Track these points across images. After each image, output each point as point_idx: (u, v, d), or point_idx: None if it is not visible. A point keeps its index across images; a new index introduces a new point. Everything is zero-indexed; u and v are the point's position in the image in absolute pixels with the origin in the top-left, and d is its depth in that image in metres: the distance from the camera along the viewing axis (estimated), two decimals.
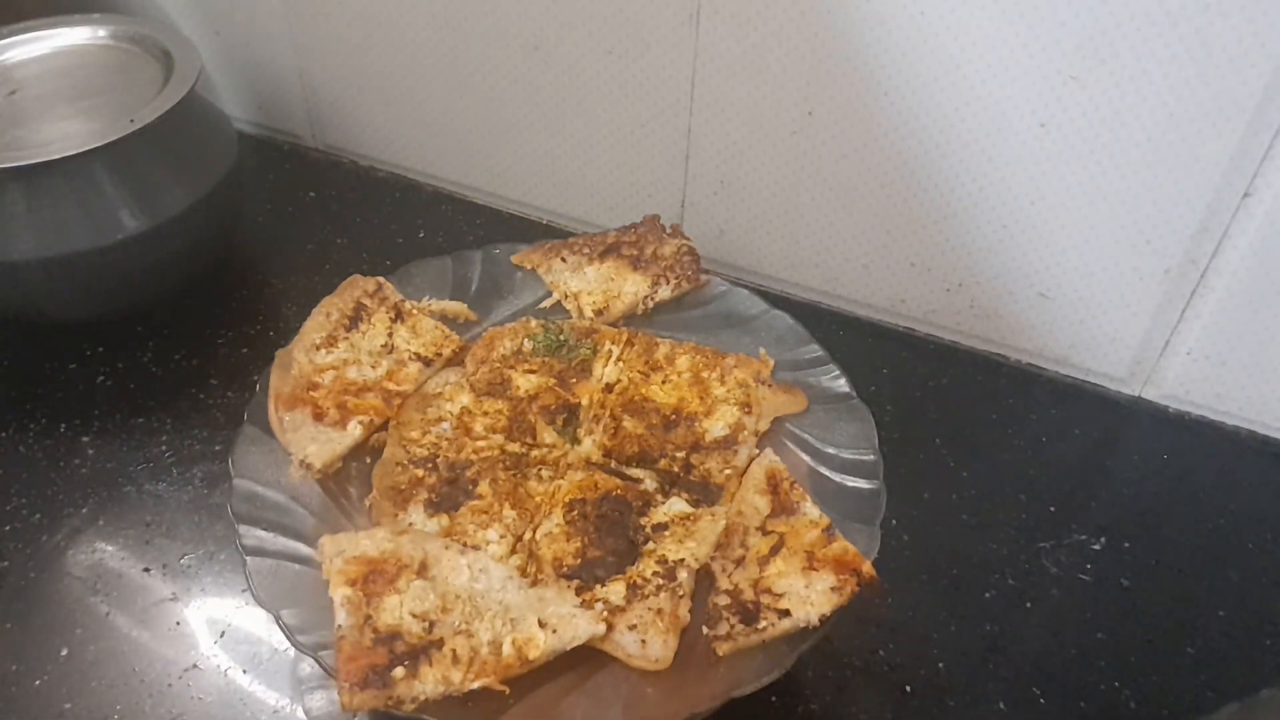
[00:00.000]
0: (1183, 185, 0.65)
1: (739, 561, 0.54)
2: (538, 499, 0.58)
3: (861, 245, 0.78)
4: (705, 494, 0.59)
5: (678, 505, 0.57)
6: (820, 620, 0.50)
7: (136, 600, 0.62)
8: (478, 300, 0.70)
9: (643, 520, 0.56)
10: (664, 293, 0.69)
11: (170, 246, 0.74)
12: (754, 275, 0.84)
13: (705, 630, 0.51)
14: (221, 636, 0.60)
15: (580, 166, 0.86)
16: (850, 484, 0.58)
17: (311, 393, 0.61)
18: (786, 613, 0.50)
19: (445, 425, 0.62)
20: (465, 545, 0.54)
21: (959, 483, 0.69)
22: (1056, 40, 0.63)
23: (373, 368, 0.64)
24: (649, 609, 0.51)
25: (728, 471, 0.59)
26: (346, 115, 0.95)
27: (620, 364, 0.65)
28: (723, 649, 0.50)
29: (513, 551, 0.55)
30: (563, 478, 0.59)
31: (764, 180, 0.78)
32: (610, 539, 0.55)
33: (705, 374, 0.64)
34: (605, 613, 0.51)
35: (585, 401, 0.63)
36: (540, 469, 0.60)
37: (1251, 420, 0.73)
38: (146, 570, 0.64)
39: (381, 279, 0.69)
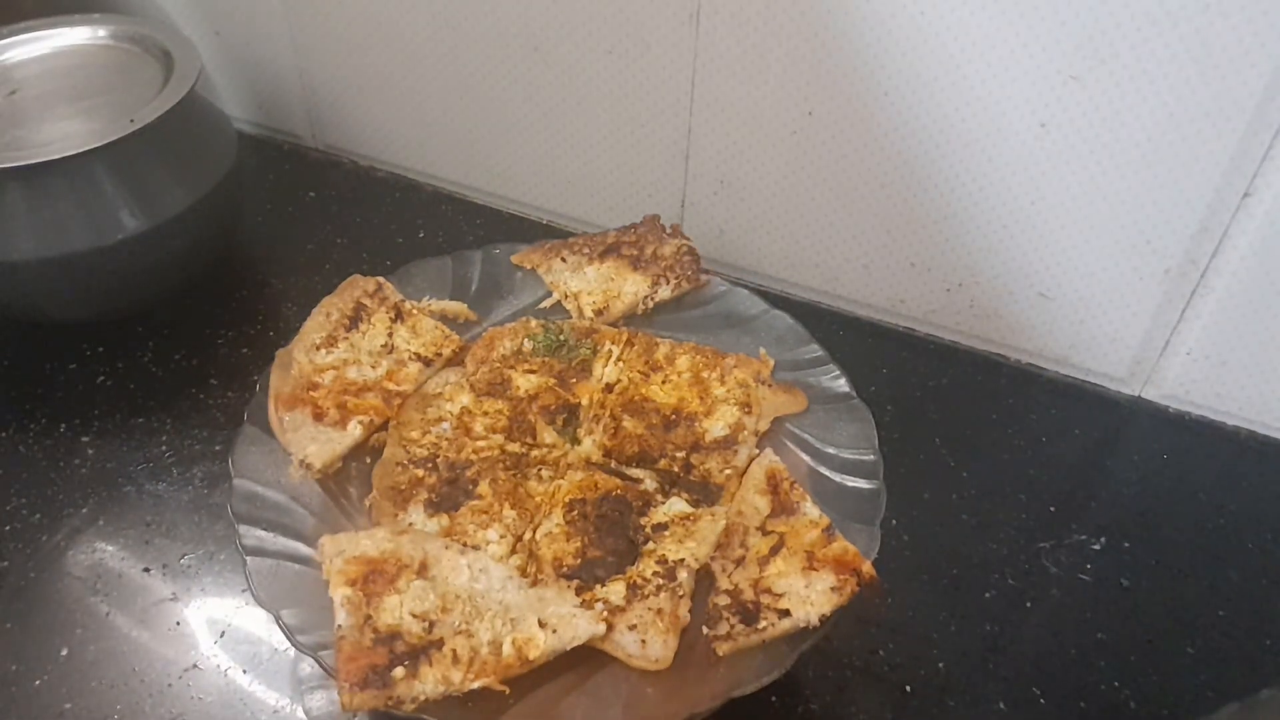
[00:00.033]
0: (1183, 185, 0.65)
1: (739, 561, 0.54)
2: (538, 499, 0.58)
3: (861, 245, 0.78)
4: (705, 494, 0.59)
5: (678, 505, 0.57)
6: (820, 620, 0.50)
7: (136, 600, 0.62)
8: (478, 300, 0.70)
9: (643, 520, 0.56)
10: (664, 293, 0.69)
11: (170, 246, 0.74)
12: (754, 275, 0.84)
13: (705, 630, 0.51)
14: (221, 636, 0.60)
15: (580, 166, 0.86)
16: (850, 484, 0.58)
17: (311, 393, 0.61)
18: (786, 613, 0.50)
19: (445, 425, 0.62)
20: (465, 545, 0.54)
21: (959, 483, 0.69)
22: (1056, 40, 0.63)
23: (373, 368, 0.64)
24: (649, 609, 0.51)
25: (728, 471, 0.59)
26: (346, 115, 0.95)
27: (620, 364, 0.65)
28: (723, 649, 0.50)
29: (513, 551, 0.55)
30: (563, 478, 0.59)
31: (764, 180, 0.78)
32: (610, 539, 0.55)
33: (705, 374, 0.64)
34: (605, 613, 0.51)
35: (585, 401, 0.63)
36: (540, 469, 0.60)
37: (1251, 420, 0.73)
38: (146, 570, 0.64)
39: (381, 279, 0.69)
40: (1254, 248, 0.65)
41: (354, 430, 0.60)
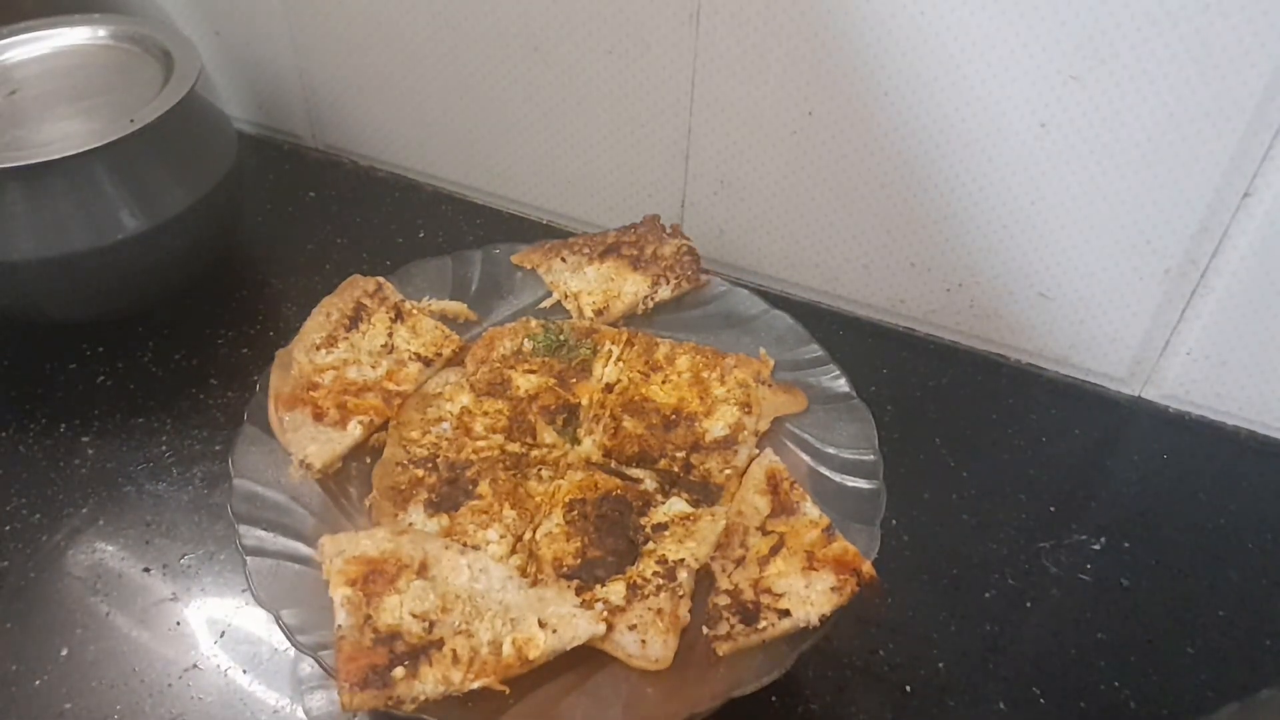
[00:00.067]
0: (1183, 185, 0.65)
1: (739, 561, 0.54)
2: (538, 499, 0.58)
3: (861, 245, 0.78)
4: (705, 494, 0.59)
5: (678, 505, 0.57)
6: (820, 620, 0.50)
7: (136, 600, 0.62)
8: (478, 300, 0.70)
9: (643, 520, 0.56)
10: (664, 293, 0.69)
11: (170, 246, 0.74)
12: (754, 275, 0.84)
13: (705, 630, 0.51)
14: (221, 636, 0.60)
15: (580, 166, 0.86)
16: (850, 484, 0.58)
17: (311, 393, 0.61)
18: (786, 613, 0.50)
19: (445, 425, 0.62)
20: (465, 545, 0.54)
21: (959, 483, 0.69)
22: (1056, 40, 0.63)
23: (373, 368, 0.64)
24: (649, 609, 0.51)
25: (728, 471, 0.59)
26: (346, 115, 0.95)
27: (620, 364, 0.65)
28: (723, 649, 0.50)
29: (513, 551, 0.55)
30: (563, 478, 0.59)
31: (764, 180, 0.78)
32: (610, 539, 0.55)
33: (705, 374, 0.64)
34: (605, 613, 0.51)
35: (585, 401, 0.63)
36: (540, 469, 0.60)
37: (1251, 420, 0.73)
38: (146, 570, 0.64)
39: (381, 279, 0.69)
40: (1254, 248, 0.65)
41: (354, 430, 0.60)
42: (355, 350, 0.65)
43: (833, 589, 0.50)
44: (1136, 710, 0.57)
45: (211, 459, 0.70)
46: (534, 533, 0.56)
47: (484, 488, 0.58)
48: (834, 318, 0.82)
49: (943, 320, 0.79)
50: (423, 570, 0.52)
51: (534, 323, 0.68)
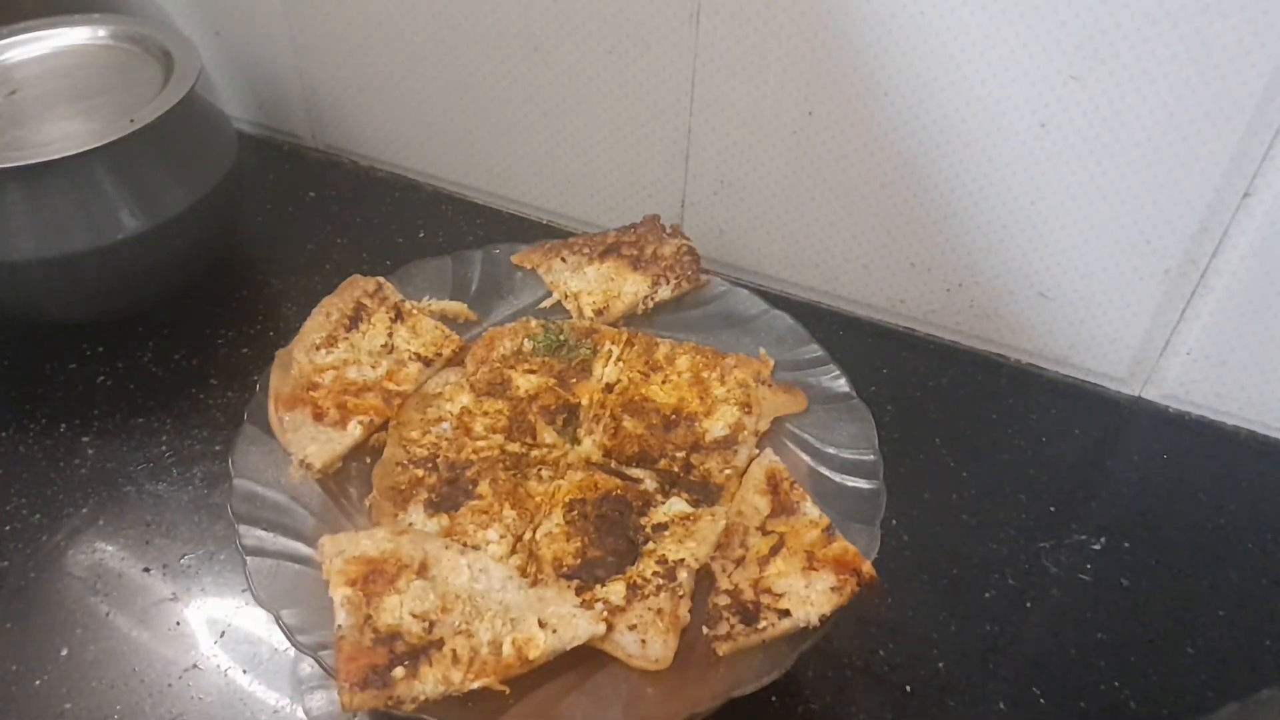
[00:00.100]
0: (1183, 185, 0.65)
1: (739, 561, 0.54)
2: (538, 499, 0.58)
3: (861, 245, 0.78)
4: (705, 494, 0.59)
5: (678, 505, 0.57)
6: (820, 620, 0.50)
7: (136, 600, 0.62)
8: (478, 300, 0.70)
9: (643, 520, 0.56)
10: (664, 293, 0.69)
11: (170, 246, 0.74)
12: (754, 275, 0.84)
13: (705, 630, 0.51)
14: (221, 636, 0.60)
15: (580, 166, 0.86)
16: (850, 484, 0.58)
17: (311, 393, 0.61)
18: (786, 613, 0.50)
19: (445, 425, 0.62)
20: (465, 545, 0.54)
21: (959, 483, 0.69)
22: (1056, 40, 0.63)
23: (373, 368, 0.64)
24: (649, 609, 0.51)
25: (728, 471, 0.59)
26: (346, 115, 0.95)
27: (620, 364, 0.65)
28: (723, 649, 0.50)
29: (513, 551, 0.55)
30: (563, 478, 0.59)
31: (764, 180, 0.78)
32: (610, 539, 0.55)
33: (705, 374, 0.64)
34: (605, 613, 0.51)
35: (585, 401, 0.63)
36: (540, 469, 0.60)
37: (1251, 420, 0.73)
38: (146, 570, 0.64)
39: (381, 279, 0.69)
40: (1254, 248, 0.65)
41: (354, 430, 0.60)
42: (355, 350, 0.65)
43: (833, 589, 0.50)
44: (1136, 710, 0.57)
45: (211, 459, 0.70)
46: (534, 533, 0.56)
47: (484, 488, 0.58)
48: (834, 318, 0.82)
49: (943, 320, 0.79)
50: (423, 570, 0.52)
51: (534, 323, 0.68)
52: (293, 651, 0.56)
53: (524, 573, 0.54)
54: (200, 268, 0.81)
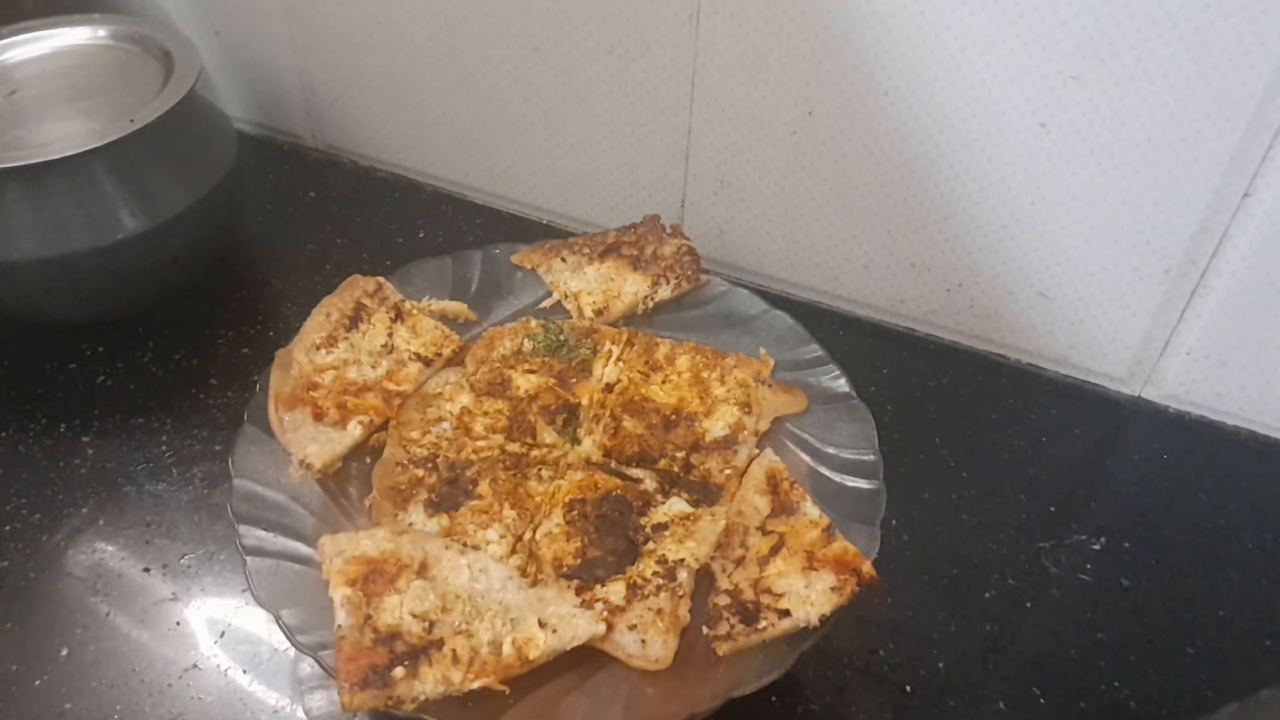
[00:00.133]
0: (1183, 185, 0.65)
1: (739, 561, 0.54)
2: (538, 499, 0.58)
3: (861, 245, 0.78)
4: (705, 494, 0.59)
5: (678, 505, 0.57)
6: (820, 620, 0.50)
7: (136, 600, 0.62)
8: (478, 300, 0.70)
9: (643, 520, 0.56)
10: (664, 293, 0.69)
11: (170, 246, 0.74)
12: (754, 275, 0.84)
13: (705, 630, 0.51)
14: (221, 636, 0.60)
15: (580, 166, 0.86)
16: (850, 484, 0.58)
17: (311, 393, 0.61)
18: (786, 613, 0.50)
19: (445, 425, 0.62)
20: (465, 545, 0.54)
21: (959, 483, 0.69)
22: (1056, 40, 0.63)
23: (373, 368, 0.64)
24: (649, 609, 0.51)
25: (728, 471, 0.59)
26: (346, 115, 0.95)
27: (620, 364, 0.65)
28: (723, 649, 0.50)
29: (513, 551, 0.55)
30: (563, 478, 0.59)
31: (764, 180, 0.78)
32: (610, 539, 0.55)
33: (705, 374, 0.64)
34: (605, 613, 0.51)
35: (585, 401, 0.63)
36: (540, 469, 0.60)
37: (1251, 420, 0.73)
38: (146, 570, 0.64)
39: (381, 279, 0.69)
40: (1254, 248, 0.65)
41: (354, 430, 0.60)
42: (355, 350, 0.65)
43: (833, 589, 0.50)
44: (1136, 710, 0.57)
45: (211, 459, 0.70)
46: (534, 533, 0.56)
47: (484, 488, 0.58)
48: (834, 318, 0.82)
49: (943, 320, 0.79)
50: (423, 570, 0.52)
51: (534, 323, 0.68)
52: (293, 651, 0.56)
53: (524, 573, 0.54)
54: (200, 268, 0.81)
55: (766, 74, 0.72)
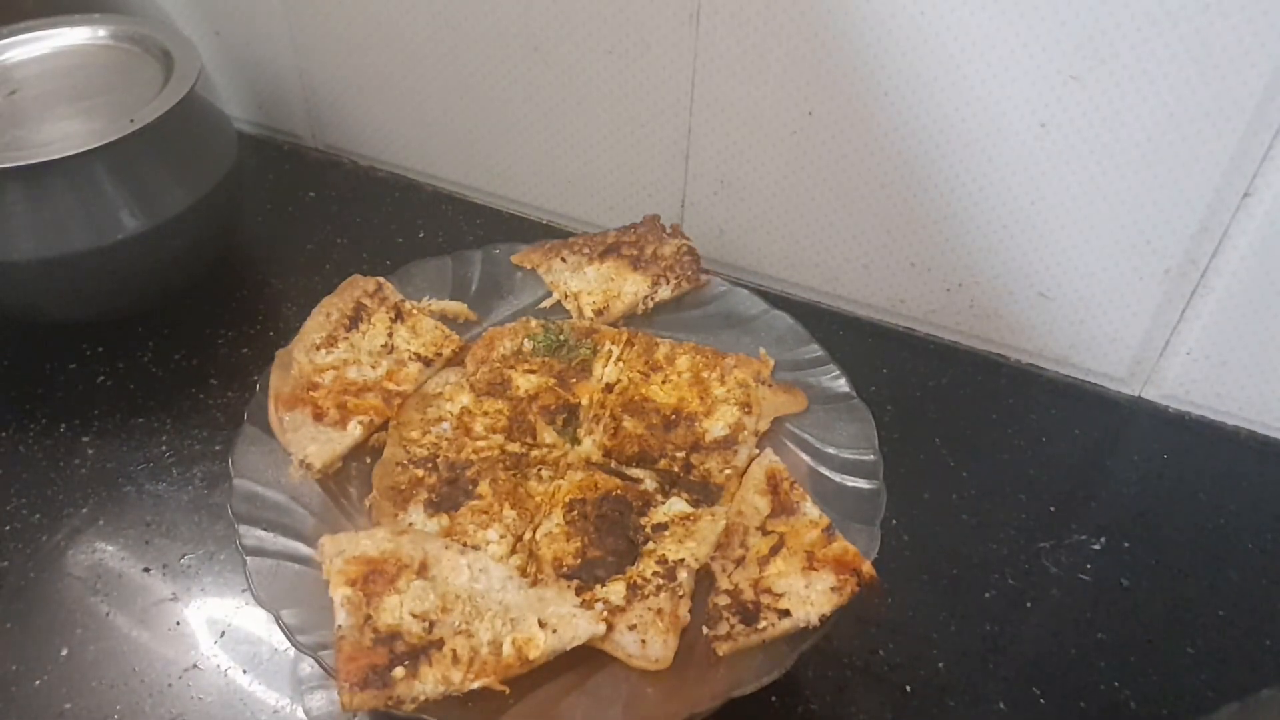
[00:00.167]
0: (1183, 185, 0.65)
1: (739, 561, 0.54)
2: (538, 499, 0.58)
3: (861, 245, 0.78)
4: (705, 494, 0.59)
5: (678, 505, 0.57)
6: (820, 620, 0.50)
7: (136, 600, 0.62)
8: (478, 300, 0.70)
9: (643, 520, 0.56)
10: (664, 293, 0.69)
11: (170, 246, 0.74)
12: (754, 275, 0.84)
13: (705, 630, 0.51)
14: (221, 636, 0.60)
15: (580, 166, 0.86)
16: (850, 484, 0.58)
17: (311, 393, 0.61)
18: (786, 613, 0.50)
19: (445, 425, 0.62)
20: (465, 545, 0.54)
21: (959, 483, 0.69)
22: (1056, 40, 0.63)
23: (373, 368, 0.64)
24: (649, 609, 0.51)
25: (728, 471, 0.59)
26: (346, 115, 0.95)
27: (620, 364, 0.65)
28: (723, 649, 0.50)
29: (513, 551, 0.55)
30: (563, 478, 0.59)
31: (764, 180, 0.78)
32: (610, 539, 0.55)
33: (705, 374, 0.64)
34: (605, 613, 0.51)
35: (585, 401, 0.63)
36: (540, 469, 0.60)
37: (1251, 420, 0.73)
38: (146, 570, 0.64)
39: (381, 279, 0.69)
40: (1254, 248, 0.65)
41: (354, 430, 0.60)
42: (355, 350, 0.65)
43: (833, 589, 0.51)
44: (1136, 710, 0.57)
45: (211, 459, 0.70)
46: (534, 533, 0.56)
47: (484, 488, 0.58)
48: (834, 318, 0.82)
49: (943, 320, 0.79)
50: (423, 570, 0.52)
51: (534, 323, 0.68)
52: (293, 651, 0.56)
53: (524, 573, 0.54)
54: (200, 268, 0.81)
55: (766, 74, 0.73)
